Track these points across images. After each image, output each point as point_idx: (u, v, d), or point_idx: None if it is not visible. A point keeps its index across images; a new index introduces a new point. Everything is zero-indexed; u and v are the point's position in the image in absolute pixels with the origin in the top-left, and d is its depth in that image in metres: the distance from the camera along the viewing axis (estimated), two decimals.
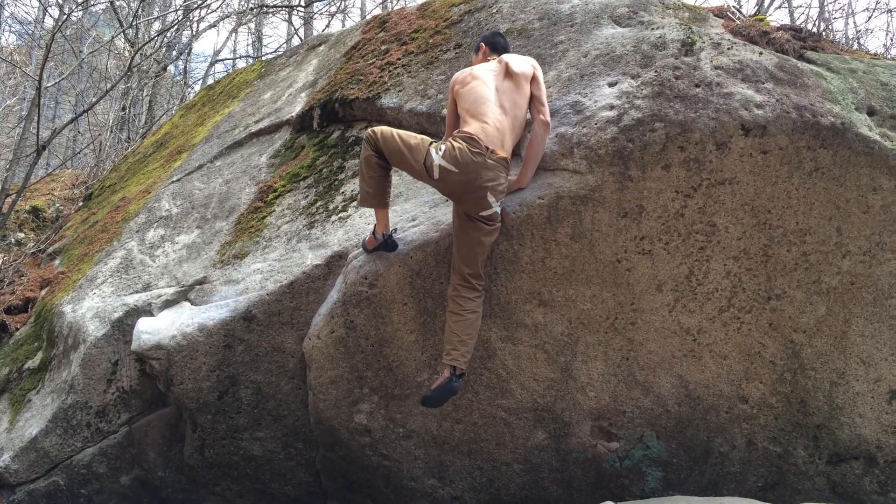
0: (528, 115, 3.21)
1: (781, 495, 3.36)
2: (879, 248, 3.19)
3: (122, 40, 12.07)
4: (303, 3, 13.30)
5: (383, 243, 3.22)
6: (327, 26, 15.70)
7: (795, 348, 3.29)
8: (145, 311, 4.00)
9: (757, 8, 10.50)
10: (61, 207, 7.46)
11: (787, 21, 10.62)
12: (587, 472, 3.44)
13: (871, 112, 3.23)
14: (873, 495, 3.36)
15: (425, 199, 3.59)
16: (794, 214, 3.14)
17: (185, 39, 13.33)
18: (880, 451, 3.34)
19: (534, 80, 3.18)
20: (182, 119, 7.07)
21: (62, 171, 9.66)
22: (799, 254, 3.19)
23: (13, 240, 6.66)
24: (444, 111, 3.62)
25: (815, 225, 3.16)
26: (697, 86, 3.15)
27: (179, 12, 11.77)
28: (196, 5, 11.13)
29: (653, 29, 3.54)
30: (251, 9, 13.67)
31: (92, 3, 10.71)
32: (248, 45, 16.91)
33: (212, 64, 14.78)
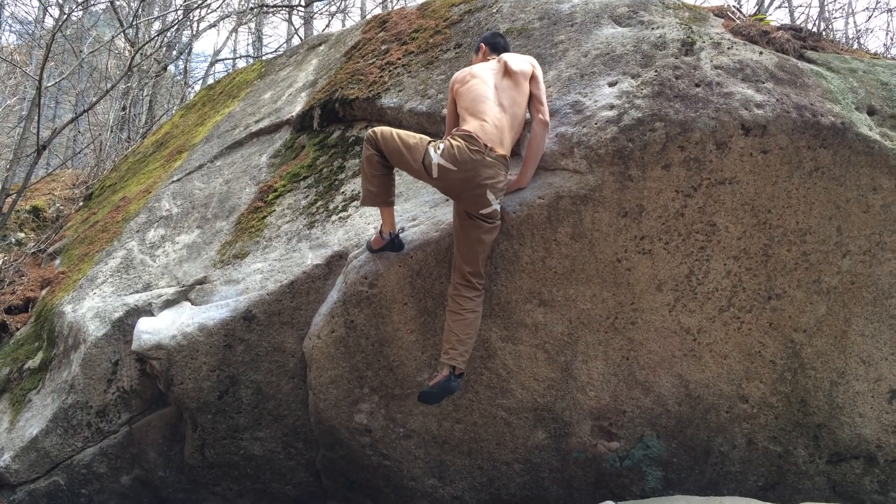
0: (528, 114, 3.21)
1: (782, 495, 3.37)
2: (879, 247, 3.19)
3: (122, 40, 12.07)
4: (303, 3, 13.30)
5: (390, 243, 3.22)
6: (327, 26, 15.71)
7: (796, 348, 3.29)
8: (146, 310, 4.01)
9: (757, 7, 10.50)
10: (62, 207, 7.47)
11: (787, 21, 10.62)
12: (587, 472, 3.44)
13: (871, 112, 3.23)
14: (873, 495, 3.36)
15: (425, 199, 3.60)
16: (794, 214, 3.14)
17: (185, 39, 13.33)
18: (880, 450, 3.34)
19: (533, 78, 3.18)
20: (182, 119, 7.07)
21: (62, 170, 9.66)
22: (799, 253, 3.19)
23: (13, 240, 6.66)
24: (444, 111, 3.62)
25: (815, 224, 3.16)
26: (697, 85, 3.15)
27: (179, 12, 11.77)
28: (196, 5, 11.14)
29: (653, 28, 3.54)
30: (251, 9, 13.67)
31: (92, 3, 10.71)
32: (248, 44, 16.91)
33: (212, 64, 14.79)
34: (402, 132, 3.07)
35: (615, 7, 3.82)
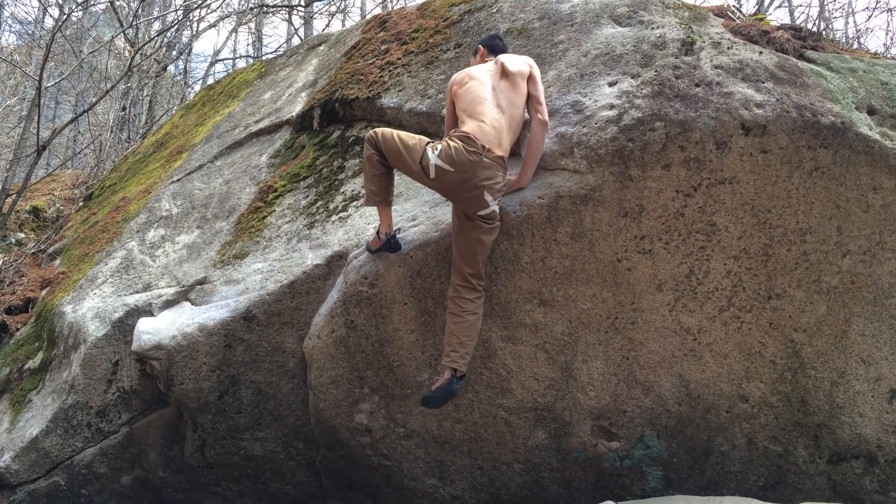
0: (527, 114, 3.21)
1: (782, 494, 3.36)
2: (880, 247, 3.19)
3: (122, 40, 12.07)
4: (303, 3, 13.30)
5: (386, 243, 3.22)
6: (327, 26, 15.71)
7: (796, 347, 3.29)
8: (146, 311, 4.01)
9: (757, 7, 10.50)
10: (61, 207, 7.47)
11: (787, 20, 10.63)
12: (587, 472, 3.44)
13: (871, 111, 3.23)
14: (874, 494, 3.36)
15: (425, 199, 3.59)
16: (794, 214, 3.14)
17: (185, 39, 13.33)
18: (881, 450, 3.34)
19: (531, 78, 3.18)
20: (182, 119, 7.07)
21: (62, 171, 9.67)
22: (799, 253, 3.19)
23: (13, 240, 6.66)
24: (444, 111, 3.62)
25: (815, 224, 3.16)
26: (697, 85, 3.15)
27: (179, 12, 11.77)
28: (196, 5, 11.13)
29: (653, 28, 3.53)
30: (251, 9, 13.67)
31: (92, 3, 10.71)
32: (248, 44, 16.92)
33: (212, 64, 14.79)
34: (403, 133, 3.08)
35: (615, 7, 3.82)
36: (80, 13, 12.53)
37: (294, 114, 4.89)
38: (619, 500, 3.35)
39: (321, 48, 5.88)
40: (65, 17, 8.77)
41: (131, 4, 11.77)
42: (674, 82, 3.17)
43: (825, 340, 3.29)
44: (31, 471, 3.94)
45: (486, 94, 3.09)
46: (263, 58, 10.43)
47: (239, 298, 3.71)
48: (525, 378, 3.36)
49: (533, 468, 3.49)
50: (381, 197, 3.17)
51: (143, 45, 10.04)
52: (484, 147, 2.90)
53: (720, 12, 3.97)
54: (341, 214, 3.85)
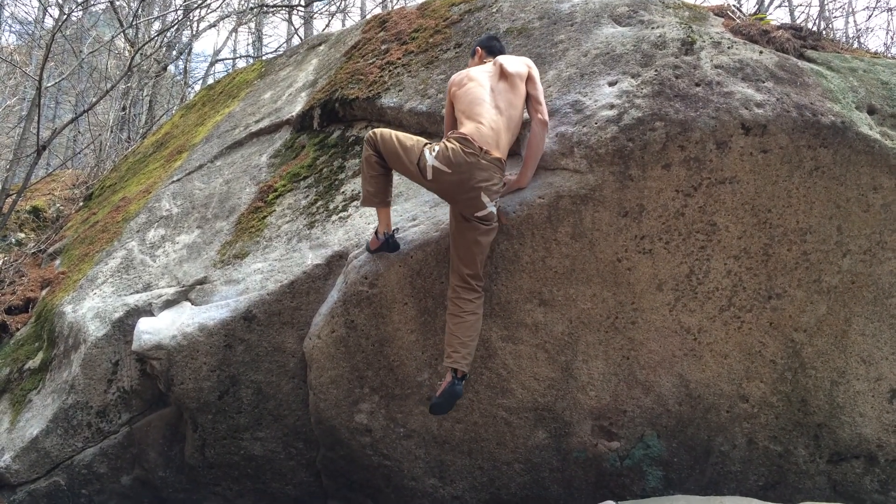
0: (526, 115, 3.21)
1: (782, 494, 3.36)
2: (880, 246, 3.19)
3: (122, 40, 12.07)
4: (303, 3, 13.30)
5: (384, 243, 3.22)
6: (327, 26, 15.71)
7: (796, 347, 3.29)
8: (146, 311, 4.01)
9: (757, 7, 10.50)
10: (62, 207, 7.47)
11: (787, 20, 10.62)
12: (588, 472, 3.44)
13: (871, 111, 3.22)
14: (874, 494, 3.36)
15: (426, 199, 3.59)
16: (794, 213, 3.14)
17: (185, 39, 13.33)
18: (881, 449, 3.34)
19: (529, 79, 3.18)
20: (182, 119, 7.07)
21: (62, 171, 9.67)
22: (799, 253, 3.19)
23: (13, 240, 6.66)
24: (444, 112, 3.62)
25: (815, 224, 3.15)
26: (698, 85, 3.14)
27: (179, 12, 11.77)
28: (196, 5, 11.13)
29: (653, 28, 3.53)
30: (251, 8, 13.67)
31: (92, 3, 10.71)
32: (248, 44, 16.92)
33: (212, 64, 14.79)
34: (401, 134, 3.08)
35: (615, 6, 3.82)
36: (80, 13, 12.53)
37: (294, 114, 4.89)
38: (619, 499, 3.35)
39: (321, 48, 5.87)
40: (65, 17, 8.77)
41: (131, 4, 11.76)
42: (674, 82, 3.17)
43: (825, 340, 3.28)
44: (32, 471, 3.94)
45: (485, 96, 3.09)
46: (263, 58, 10.43)
47: (239, 298, 3.71)
48: (525, 378, 3.36)
49: (533, 468, 3.49)
50: (380, 198, 3.17)
51: (143, 45, 10.04)
52: (481, 149, 2.90)
53: (720, 12, 3.97)
54: (341, 214, 3.85)
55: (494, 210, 2.99)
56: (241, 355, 3.68)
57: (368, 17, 7.17)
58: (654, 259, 3.19)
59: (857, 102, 3.21)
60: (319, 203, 4.03)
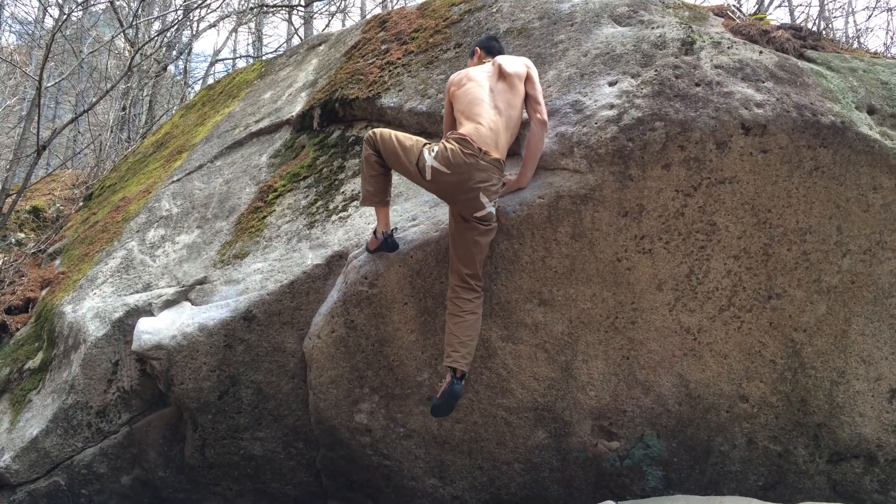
0: (525, 115, 3.21)
1: (782, 494, 3.36)
2: (880, 246, 3.19)
3: (122, 40, 12.07)
4: (303, 3, 13.30)
5: (383, 243, 3.22)
6: (327, 26, 15.71)
7: (796, 347, 3.29)
8: (146, 311, 4.01)
9: (757, 7, 10.50)
10: (61, 207, 7.47)
11: (787, 20, 10.62)
12: (588, 472, 3.44)
13: (871, 111, 3.22)
14: (874, 494, 3.36)
15: (425, 199, 3.59)
16: (794, 213, 3.14)
17: (185, 39, 13.33)
18: (881, 449, 3.34)
19: (528, 79, 3.18)
20: (182, 119, 7.07)
21: (62, 171, 9.67)
22: (799, 253, 3.19)
23: (13, 240, 6.66)
24: (444, 112, 3.62)
25: (815, 224, 3.15)
26: (697, 85, 3.14)
27: (179, 12, 11.77)
28: (196, 5, 11.14)
29: (653, 28, 3.53)
30: (251, 8, 13.67)
31: (92, 3, 10.71)
32: (248, 44, 16.92)
33: (212, 64, 14.79)
34: (401, 134, 3.08)
35: (615, 6, 3.82)
36: (80, 13, 12.53)
37: (294, 114, 4.89)
38: (619, 499, 3.35)
39: (321, 48, 5.88)
40: (65, 17, 8.77)
41: (131, 4, 11.76)
42: (674, 82, 3.17)
43: (825, 340, 3.28)
44: (31, 471, 3.94)
45: (484, 96, 3.10)
46: (263, 58, 10.44)
47: (239, 298, 3.71)
48: (525, 378, 3.36)
49: (533, 468, 3.49)
50: (379, 197, 3.18)
51: (143, 45, 10.04)
52: (480, 149, 2.91)
53: (720, 12, 3.97)
54: (341, 214, 3.85)
55: (493, 210, 2.99)
56: (241, 355, 3.68)
57: (368, 17, 7.18)
58: (653, 259, 3.20)
59: (857, 102, 3.21)
60: (319, 203, 4.03)
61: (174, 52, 12.88)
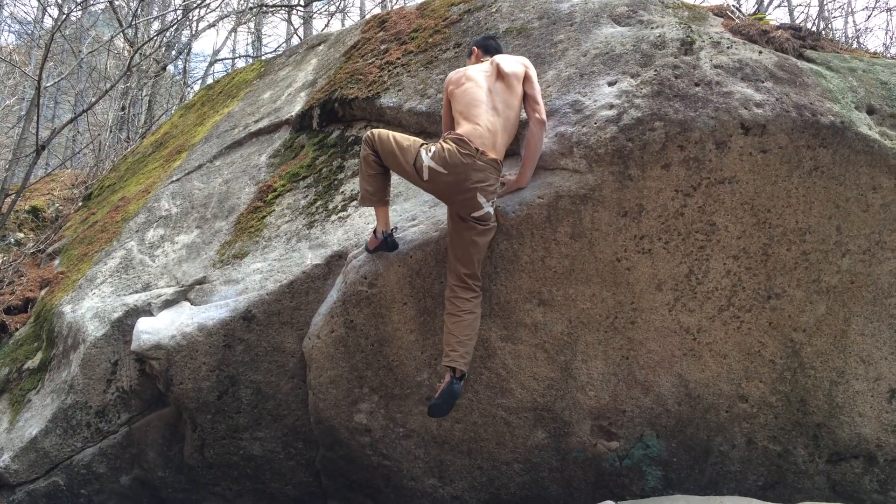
0: (524, 115, 3.21)
1: (781, 494, 3.36)
2: (879, 246, 3.19)
3: (122, 40, 12.07)
4: (302, 3, 13.29)
5: (383, 242, 3.22)
6: (327, 26, 15.71)
7: (795, 347, 3.29)
8: (145, 311, 4.00)
9: (756, 7, 10.50)
10: (61, 207, 7.46)
11: (786, 20, 10.63)
12: (587, 472, 3.44)
13: (870, 111, 3.23)
14: (873, 494, 3.36)
15: (425, 199, 3.59)
16: (793, 213, 3.14)
17: (184, 39, 13.33)
18: (880, 449, 3.34)
19: (526, 79, 3.18)
20: (181, 119, 7.06)
21: (62, 171, 9.66)
22: (799, 253, 3.19)
23: (13, 240, 6.65)
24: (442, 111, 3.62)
25: (814, 224, 3.16)
26: (697, 85, 3.14)
27: (179, 12, 11.77)
28: (195, 5, 11.13)
29: (652, 28, 3.53)
30: (250, 8, 13.67)
31: (91, 2, 10.70)
32: (247, 44, 16.92)
33: (211, 63, 14.78)
34: (399, 134, 3.09)
35: (614, 6, 3.82)
36: (80, 13, 12.52)
37: (293, 113, 4.89)
38: (618, 499, 3.35)
39: (320, 48, 5.87)
40: (64, 16, 8.76)
41: (130, 4, 11.75)
42: (673, 82, 3.17)
43: (825, 340, 3.29)
44: (31, 471, 3.94)
45: (482, 96, 3.09)
46: (263, 58, 10.43)
47: (238, 298, 3.71)
48: (525, 378, 3.36)
49: (532, 468, 3.49)
50: (378, 197, 3.18)
51: (143, 44, 10.04)
52: (478, 150, 2.91)
53: (720, 12, 3.97)
54: (341, 214, 3.85)
55: (491, 210, 2.99)
56: (240, 355, 3.68)
57: (368, 16, 7.18)
58: (653, 259, 3.20)
59: (857, 102, 3.21)
60: (319, 203, 4.03)
61: (173, 52, 12.88)
